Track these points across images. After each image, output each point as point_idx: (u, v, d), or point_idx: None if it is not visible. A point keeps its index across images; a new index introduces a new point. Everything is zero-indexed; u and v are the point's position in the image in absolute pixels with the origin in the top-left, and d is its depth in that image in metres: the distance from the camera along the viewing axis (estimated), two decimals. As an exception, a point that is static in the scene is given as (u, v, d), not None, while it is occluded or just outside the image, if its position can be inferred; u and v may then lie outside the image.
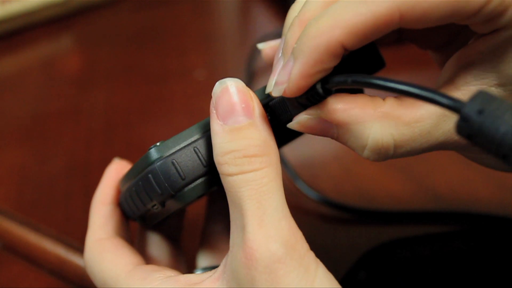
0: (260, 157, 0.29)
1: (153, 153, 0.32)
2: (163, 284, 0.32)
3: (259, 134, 0.30)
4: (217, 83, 0.31)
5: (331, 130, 0.30)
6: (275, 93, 0.30)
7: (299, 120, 0.30)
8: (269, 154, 0.30)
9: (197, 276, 0.32)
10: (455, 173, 0.48)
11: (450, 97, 0.24)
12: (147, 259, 0.39)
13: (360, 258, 0.43)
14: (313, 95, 0.29)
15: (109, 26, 0.76)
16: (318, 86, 0.29)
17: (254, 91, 0.31)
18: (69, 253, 0.47)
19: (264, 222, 0.28)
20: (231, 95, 0.30)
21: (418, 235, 0.47)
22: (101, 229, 0.37)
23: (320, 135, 0.31)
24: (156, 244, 0.39)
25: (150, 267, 0.34)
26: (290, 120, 0.31)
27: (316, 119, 0.30)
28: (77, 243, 0.47)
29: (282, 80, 0.29)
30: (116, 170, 0.39)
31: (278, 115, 0.32)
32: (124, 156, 0.55)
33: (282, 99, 0.31)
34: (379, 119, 0.29)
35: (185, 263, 0.40)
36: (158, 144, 0.32)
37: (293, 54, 0.29)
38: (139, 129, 0.59)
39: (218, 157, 0.30)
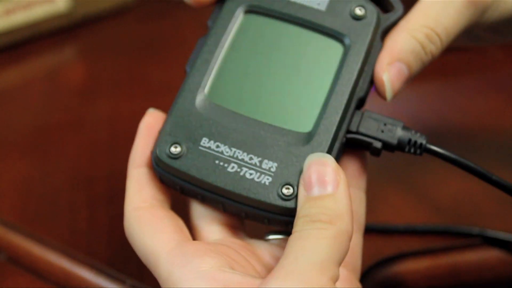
0: (325, 223, 0.31)
1: None
2: (201, 282, 0.31)
3: (335, 206, 0.32)
4: (310, 155, 0.34)
5: None
6: None
7: None
8: (337, 224, 0.31)
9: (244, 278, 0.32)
10: (457, 186, 0.49)
11: None
12: (193, 228, 0.37)
13: (362, 273, 0.44)
14: None
15: (113, 37, 0.76)
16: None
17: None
18: (74, 266, 0.47)
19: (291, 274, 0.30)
20: (322, 169, 0.33)
21: (421, 249, 0.47)
22: (137, 196, 0.36)
23: None
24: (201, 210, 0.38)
25: (193, 246, 0.33)
26: None
27: None
28: (82, 255, 0.48)
29: None
30: (150, 126, 0.38)
31: None
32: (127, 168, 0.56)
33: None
34: None
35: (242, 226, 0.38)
36: None
37: None
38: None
39: (295, 221, 0.32)
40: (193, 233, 0.37)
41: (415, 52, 0.37)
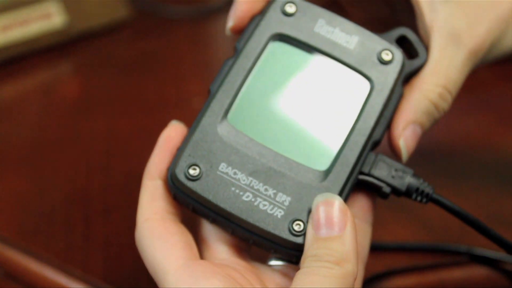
0: (332, 263, 0.32)
1: None
2: None
3: (341, 247, 0.33)
4: (318, 195, 0.35)
5: None
6: (229, 25, 0.40)
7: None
8: (343, 266, 0.33)
9: None
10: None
11: None
12: (203, 243, 0.38)
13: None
14: None
15: (108, 53, 0.77)
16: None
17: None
18: (70, 281, 0.48)
19: None
20: (330, 210, 0.34)
21: (409, 266, 0.48)
22: (149, 207, 0.37)
23: None
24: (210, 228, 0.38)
25: (201, 266, 0.34)
26: None
27: None
28: (78, 271, 0.48)
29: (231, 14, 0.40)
30: (169, 138, 0.39)
31: None
32: (124, 184, 0.57)
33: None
34: None
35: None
36: None
37: None
38: (139, 158, 0.59)
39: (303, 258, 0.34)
40: (201, 248, 0.38)
41: (428, 112, 0.39)
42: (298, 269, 0.34)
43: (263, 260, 0.39)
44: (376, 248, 0.49)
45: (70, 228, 0.53)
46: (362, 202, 0.39)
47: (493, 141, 0.63)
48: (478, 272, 0.48)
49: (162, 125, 0.64)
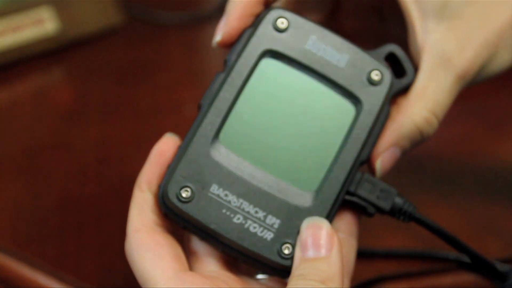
0: (318, 282, 0.33)
1: None
2: None
3: (327, 268, 0.34)
4: (307, 219, 0.36)
5: None
6: (216, 39, 0.40)
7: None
8: (328, 285, 0.34)
9: None
10: (434, 212, 0.50)
11: None
12: (192, 254, 0.38)
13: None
14: None
15: (101, 60, 0.77)
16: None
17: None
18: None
19: None
20: (318, 232, 0.35)
21: (399, 272, 0.49)
22: (138, 218, 0.37)
23: None
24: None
25: (190, 278, 0.35)
26: None
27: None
28: (71, 277, 0.48)
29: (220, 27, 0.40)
30: (162, 152, 0.39)
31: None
32: (116, 191, 0.57)
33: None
34: None
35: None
36: None
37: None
38: (131, 164, 0.59)
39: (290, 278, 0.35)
40: (190, 259, 0.38)
41: (412, 137, 0.40)
42: (285, 282, 0.35)
43: (251, 273, 0.39)
44: (366, 255, 0.49)
45: (63, 234, 0.53)
46: (347, 217, 0.40)
47: (482, 148, 0.64)
48: (466, 279, 0.48)
49: (155, 132, 0.64)
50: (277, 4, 0.41)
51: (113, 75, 0.75)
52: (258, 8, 0.40)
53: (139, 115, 0.68)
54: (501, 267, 0.43)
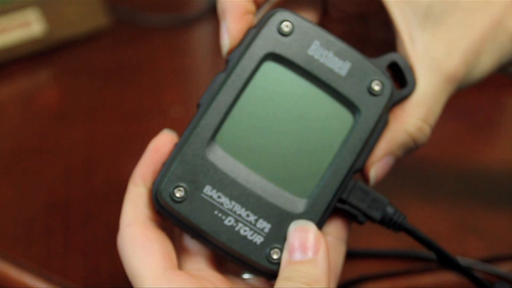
0: (302, 283, 0.34)
1: None
2: None
3: (313, 271, 0.35)
4: (294, 222, 0.37)
5: None
6: (225, 48, 0.38)
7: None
8: (314, 287, 0.34)
9: None
10: (416, 213, 0.51)
11: None
12: (182, 251, 0.39)
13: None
14: None
15: (87, 62, 0.78)
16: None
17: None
18: (51, 288, 0.48)
19: None
20: (304, 235, 0.36)
21: (381, 272, 0.50)
22: (132, 213, 0.37)
23: None
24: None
25: (178, 277, 0.35)
26: None
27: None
28: (58, 277, 0.49)
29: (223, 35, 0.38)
30: (158, 148, 0.38)
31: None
32: (103, 192, 0.57)
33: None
34: None
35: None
36: None
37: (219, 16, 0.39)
38: (118, 166, 0.60)
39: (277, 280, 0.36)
40: (180, 255, 0.39)
41: (405, 145, 0.40)
42: (271, 283, 0.36)
43: (238, 273, 0.40)
44: (349, 255, 0.50)
45: (50, 235, 0.53)
46: (338, 222, 0.40)
47: (465, 150, 0.64)
48: (447, 278, 0.49)
49: (141, 134, 0.65)
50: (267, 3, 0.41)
51: (100, 77, 0.76)
52: (251, 3, 0.40)
53: (125, 117, 0.68)
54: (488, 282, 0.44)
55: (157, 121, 0.67)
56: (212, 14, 0.83)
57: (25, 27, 0.76)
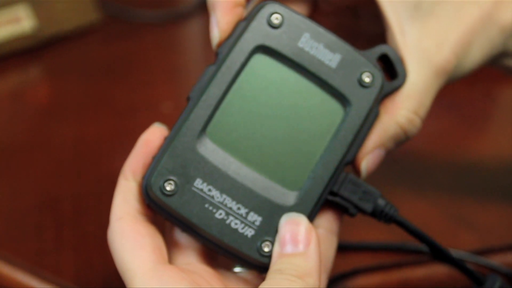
0: (295, 277, 0.34)
1: None
2: None
3: (304, 264, 0.35)
4: (285, 215, 0.37)
5: None
6: (215, 41, 0.38)
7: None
8: (305, 280, 0.34)
9: None
10: (408, 205, 0.51)
11: None
12: (173, 245, 0.39)
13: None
14: None
15: (78, 58, 0.77)
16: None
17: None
18: (42, 285, 0.48)
19: None
20: (296, 228, 0.36)
21: (373, 265, 0.50)
22: (122, 207, 0.37)
23: None
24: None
25: (168, 271, 0.35)
26: None
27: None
28: (49, 274, 0.48)
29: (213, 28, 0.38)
30: (148, 142, 0.38)
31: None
32: (94, 189, 0.57)
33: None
34: None
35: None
36: None
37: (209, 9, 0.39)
38: (109, 162, 0.60)
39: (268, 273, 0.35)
40: (171, 249, 0.39)
41: (396, 137, 0.40)
42: (262, 276, 0.36)
43: (229, 267, 0.40)
44: (341, 248, 0.50)
45: (41, 232, 0.53)
46: (329, 214, 0.40)
47: (456, 141, 0.64)
48: (440, 270, 0.49)
49: (132, 130, 0.65)
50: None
51: (90, 73, 0.75)
52: None
53: (116, 113, 0.68)
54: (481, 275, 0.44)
55: (148, 117, 0.67)
56: (203, 9, 0.83)
57: (15, 23, 0.76)
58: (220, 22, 0.38)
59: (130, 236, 0.36)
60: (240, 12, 0.39)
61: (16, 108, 0.70)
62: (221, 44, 0.38)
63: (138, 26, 0.82)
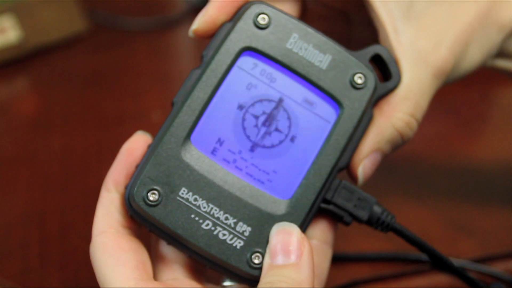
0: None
1: None
2: None
3: (296, 275, 0.33)
4: (276, 225, 0.35)
5: None
6: (193, 26, 0.37)
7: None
8: None
9: None
10: (406, 214, 0.50)
11: None
12: (158, 259, 0.37)
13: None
14: None
15: (65, 68, 0.76)
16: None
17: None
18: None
19: None
20: (287, 238, 0.34)
21: (372, 276, 0.48)
22: (104, 220, 0.36)
23: None
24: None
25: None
26: None
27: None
28: (34, 292, 0.47)
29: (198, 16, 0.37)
30: (131, 151, 0.37)
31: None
32: (80, 203, 0.56)
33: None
34: None
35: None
36: None
37: None
38: (96, 175, 0.59)
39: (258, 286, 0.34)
40: (156, 264, 0.37)
41: (393, 141, 0.39)
42: None
43: (218, 280, 0.38)
44: (338, 259, 0.49)
45: (26, 249, 0.52)
46: (323, 224, 0.39)
47: (453, 147, 0.64)
48: (440, 280, 0.48)
49: (120, 141, 0.63)
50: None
51: (78, 83, 0.74)
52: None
53: (104, 124, 0.67)
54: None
55: (138, 126, 0.65)
56: (191, 17, 0.81)
57: (1, 34, 0.75)
58: (206, 15, 0.37)
59: (112, 251, 0.34)
60: (231, 13, 0.38)
61: (1, 120, 0.69)
62: (197, 33, 0.37)
63: (126, 34, 0.81)
